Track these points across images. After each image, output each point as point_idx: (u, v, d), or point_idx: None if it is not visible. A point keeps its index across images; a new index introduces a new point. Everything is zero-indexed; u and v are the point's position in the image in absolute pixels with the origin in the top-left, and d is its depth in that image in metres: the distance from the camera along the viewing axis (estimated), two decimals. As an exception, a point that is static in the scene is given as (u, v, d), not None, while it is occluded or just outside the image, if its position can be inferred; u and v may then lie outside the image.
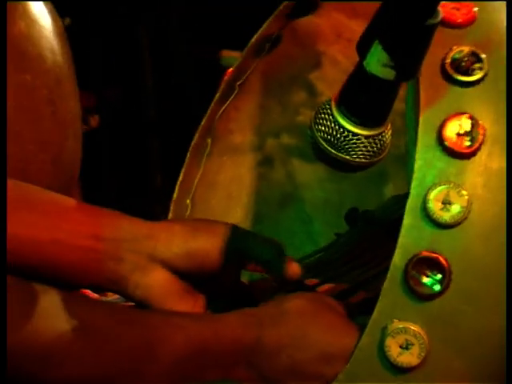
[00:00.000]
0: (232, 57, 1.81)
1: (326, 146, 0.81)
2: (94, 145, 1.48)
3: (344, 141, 0.80)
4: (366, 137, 0.80)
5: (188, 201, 1.01)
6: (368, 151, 0.81)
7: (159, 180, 1.91)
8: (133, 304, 0.90)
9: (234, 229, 0.89)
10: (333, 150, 0.80)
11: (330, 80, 1.02)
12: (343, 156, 0.80)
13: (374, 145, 0.81)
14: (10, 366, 0.70)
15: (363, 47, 0.78)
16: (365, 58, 0.77)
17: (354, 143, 0.80)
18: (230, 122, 1.02)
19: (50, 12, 1.30)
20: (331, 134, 0.80)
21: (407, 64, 0.77)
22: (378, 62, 0.77)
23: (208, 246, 0.87)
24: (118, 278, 0.85)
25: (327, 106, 0.80)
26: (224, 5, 2.42)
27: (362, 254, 0.95)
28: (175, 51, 1.91)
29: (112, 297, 0.95)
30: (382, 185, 0.94)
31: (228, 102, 1.01)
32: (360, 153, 0.80)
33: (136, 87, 1.79)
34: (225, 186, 1.03)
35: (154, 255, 0.86)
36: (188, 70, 1.95)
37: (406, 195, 0.92)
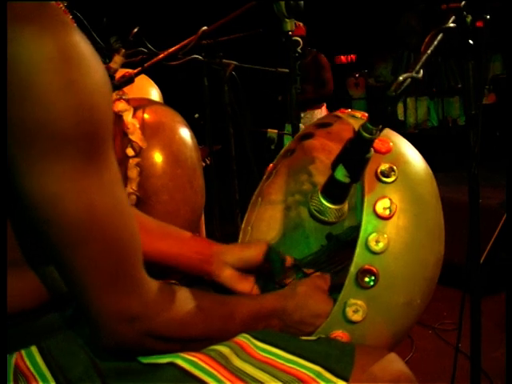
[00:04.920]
0: (272, 132, 1.73)
1: (315, 212, 0.77)
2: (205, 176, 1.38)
3: (325, 210, 0.76)
4: (336, 209, 0.76)
5: (249, 228, 0.98)
6: (336, 216, 0.77)
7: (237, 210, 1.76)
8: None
9: (267, 246, 0.85)
10: (318, 215, 0.77)
11: (319, 169, 0.98)
12: (323, 218, 0.77)
13: (339, 213, 0.77)
14: (169, 332, 0.63)
15: (334, 166, 0.74)
16: (335, 171, 0.74)
17: (329, 212, 0.76)
18: (269, 188, 0.99)
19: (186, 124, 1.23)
20: (318, 207, 0.76)
21: (355, 175, 0.74)
22: (341, 174, 0.74)
23: (253, 254, 0.85)
24: (209, 273, 0.84)
25: (316, 193, 0.77)
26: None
27: (334, 256, 0.91)
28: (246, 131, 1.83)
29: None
30: (343, 222, 0.87)
31: (270, 179, 0.98)
32: (332, 216, 0.77)
33: (225, 147, 1.72)
34: (266, 220, 0.99)
35: (226, 262, 0.85)
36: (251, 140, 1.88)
37: (355, 227, 0.86)
